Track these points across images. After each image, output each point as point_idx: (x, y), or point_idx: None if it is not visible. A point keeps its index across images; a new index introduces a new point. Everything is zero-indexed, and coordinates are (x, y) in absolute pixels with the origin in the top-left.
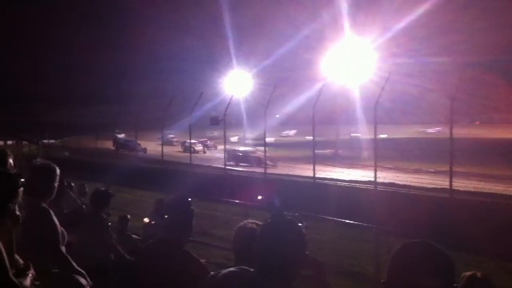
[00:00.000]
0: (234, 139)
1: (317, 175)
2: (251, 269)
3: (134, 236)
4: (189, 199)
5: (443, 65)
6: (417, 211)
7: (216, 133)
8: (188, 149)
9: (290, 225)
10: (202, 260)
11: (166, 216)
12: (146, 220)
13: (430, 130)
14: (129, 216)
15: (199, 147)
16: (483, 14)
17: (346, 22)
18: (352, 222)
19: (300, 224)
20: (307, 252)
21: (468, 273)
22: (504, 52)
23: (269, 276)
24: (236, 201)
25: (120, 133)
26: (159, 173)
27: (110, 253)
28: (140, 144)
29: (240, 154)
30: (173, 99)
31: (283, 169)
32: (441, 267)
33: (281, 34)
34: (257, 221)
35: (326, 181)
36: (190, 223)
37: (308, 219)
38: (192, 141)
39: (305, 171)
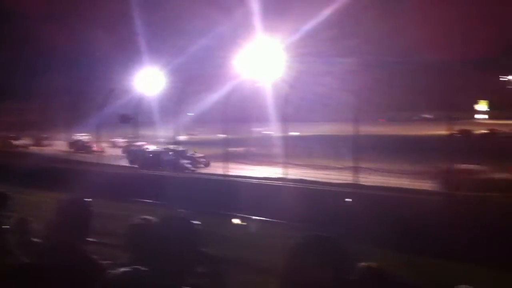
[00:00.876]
0: (119, 140)
1: (229, 173)
2: (144, 268)
3: (34, 239)
4: (87, 200)
5: (350, 66)
6: (325, 206)
7: (85, 136)
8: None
9: (182, 222)
10: (106, 262)
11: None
12: (236, 221)
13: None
14: (30, 219)
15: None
16: (388, 16)
17: (258, 22)
18: (264, 218)
19: (195, 222)
20: (203, 249)
21: (363, 264)
22: (407, 53)
23: (161, 275)
24: (148, 200)
25: (17, 138)
26: (68, 174)
27: (7, 257)
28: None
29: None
30: (80, 98)
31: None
32: (333, 259)
33: (193, 32)
34: (147, 217)
35: (238, 179)
36: (86, 224)
37: (220, 217)
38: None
39: (217, 169)
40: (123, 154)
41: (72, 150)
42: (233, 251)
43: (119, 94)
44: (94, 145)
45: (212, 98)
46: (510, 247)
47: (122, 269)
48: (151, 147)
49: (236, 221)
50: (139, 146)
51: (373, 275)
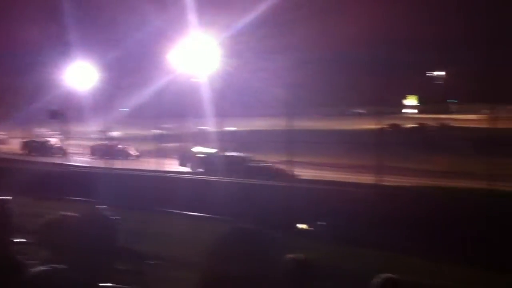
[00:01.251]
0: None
1: (165, 169)
2: (61, 266)
3: None
4: (4, 198)
5: (285, 61)
6: (260, 200)
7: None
8: None
9: (100, 218)
10: (29, 261)
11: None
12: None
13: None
14: None
15: None
16: (322, 13)
17: (193, 17)
18: (199, 214)
19: (114, 218)
20: (125, 246)
21: (290, 256)
22: (341, 50)
23: (79, 272)
24: (78, 198)
25: None
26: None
27: None
28: None
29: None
30: (5, 93)
31: (129, 164)
32: (258, 252)
33: (128, 26)
34: (65, 213)
35: (172, 174)
36: (5, 223)
37: (155, 213)
38: None
39: (150, 164)
40: (93, 156)
41: (25, 151)
42: (163, 247)
43: (49, 89)
44: (54, 145)
45: (146, 93)
46: (436, 236)
47: (40, 268)
48: (206, 150)
49: (301, 226)
50: (192, 150)
51: (299, 266)
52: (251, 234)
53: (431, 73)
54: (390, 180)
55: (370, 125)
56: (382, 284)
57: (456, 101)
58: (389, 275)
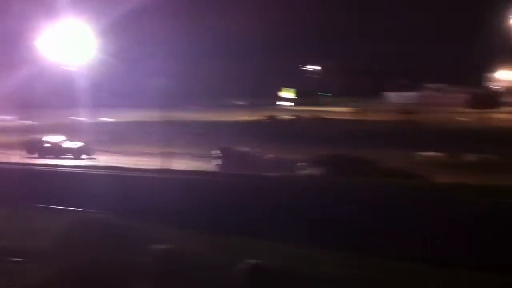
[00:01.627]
0: None
1: (35, 162)
2: None
3: None
4: None
5: (166, 52)
6: (133, 192)
7: None
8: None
9: None
10: None
11: None
12: None
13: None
14: None
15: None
16: (202, 4)
17: (67, 3)
18: (68, 208)
19: None
20: None
21: (156, 246)
22: (220, 42)
23: None
24: None
25: None
26: None
27: None
28: None
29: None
30: None
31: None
32: (108, 240)
33: None
34: None
35: (44, 168)
36: None
37: (20, 208)
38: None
39: (18, 157)
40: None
41: None
42: (24, 242)
43: None
44: None
45: (16, 82)
46: (293, 221)
47: None
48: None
49: None
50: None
51: (164, 256)
52: (101, 223)
53: (308, 67)
54: None
55: (250, 116)
56: (246, 270)
57: (329, 94)
58: (253, 260)
